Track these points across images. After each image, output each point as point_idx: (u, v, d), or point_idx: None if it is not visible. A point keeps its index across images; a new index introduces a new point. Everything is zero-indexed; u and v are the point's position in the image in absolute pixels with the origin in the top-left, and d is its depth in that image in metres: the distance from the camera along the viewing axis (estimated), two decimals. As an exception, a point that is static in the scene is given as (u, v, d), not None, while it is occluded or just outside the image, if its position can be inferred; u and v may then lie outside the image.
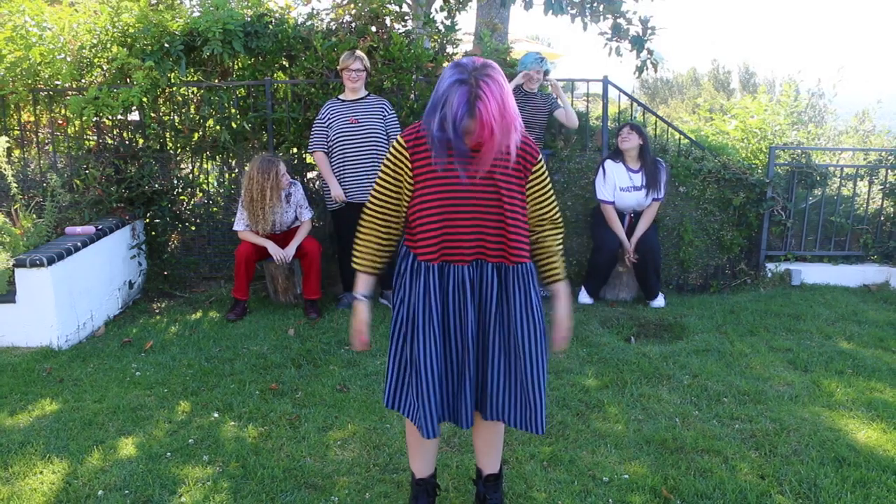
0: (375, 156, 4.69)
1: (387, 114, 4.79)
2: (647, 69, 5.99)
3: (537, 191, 2.18)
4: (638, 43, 5.89)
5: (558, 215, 2.27)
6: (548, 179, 2.20)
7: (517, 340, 2.16)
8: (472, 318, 2.15)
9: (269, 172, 4.52)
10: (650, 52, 5.91)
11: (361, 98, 4.78)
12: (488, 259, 2.14)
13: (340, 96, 4.81)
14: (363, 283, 2.24)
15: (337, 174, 4.72)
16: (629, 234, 5.06)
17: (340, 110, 4.72)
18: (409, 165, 2.09)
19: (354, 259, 2.23)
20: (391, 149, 2.13)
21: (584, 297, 5.13)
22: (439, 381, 2.17)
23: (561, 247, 2.28)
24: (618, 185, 5.03)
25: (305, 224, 4.82)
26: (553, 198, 2.23)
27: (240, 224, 4.72)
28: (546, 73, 5.14)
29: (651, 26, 5.89)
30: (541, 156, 2.18)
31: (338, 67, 4.77)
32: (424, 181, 2.08)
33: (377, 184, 2.16)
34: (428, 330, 2.14)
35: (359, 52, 4.74)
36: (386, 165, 2.14)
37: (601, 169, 5.07)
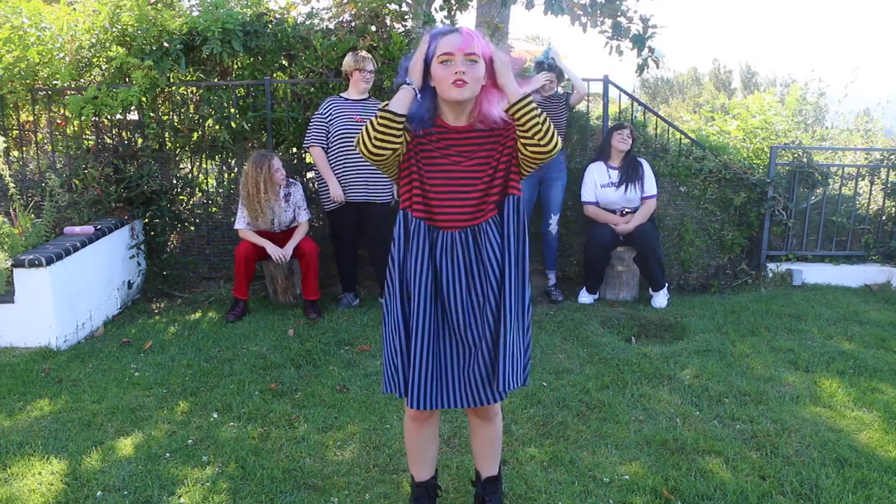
0: None
1: None
2: (648, 67, 5.97)
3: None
4: (639, 41, 5.87)
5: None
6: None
7: (500, 295, 2.12)
8: (465, 286, 2.11)
9: (261, 166, 4.56)
10: (651, 51, 5.90)
11: (364, 99, 4.77)
12: (471, 222, 2.11)
13: (343, 94, 4.79)
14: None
15: (335, 173, 4.70)
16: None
17: (345, 108, 4.70)
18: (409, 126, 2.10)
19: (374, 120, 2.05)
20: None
21: (585, 297, 5.12)
22: (428, 346, 2.11)
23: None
24: (598, 182, 5.08)
25: (303, 225, 4.81)
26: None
27: (241, 222, 4.71)
28: (550, 67, 5.08)
29: (652, 24, 5.87)
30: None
31: (345, 68, 4.75)
32: (415, 150, 2.10)
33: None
34: (417, 291, 2.10)
35: (368, 54, 4.74)
36: None
37: (584, 174, 5.18)
